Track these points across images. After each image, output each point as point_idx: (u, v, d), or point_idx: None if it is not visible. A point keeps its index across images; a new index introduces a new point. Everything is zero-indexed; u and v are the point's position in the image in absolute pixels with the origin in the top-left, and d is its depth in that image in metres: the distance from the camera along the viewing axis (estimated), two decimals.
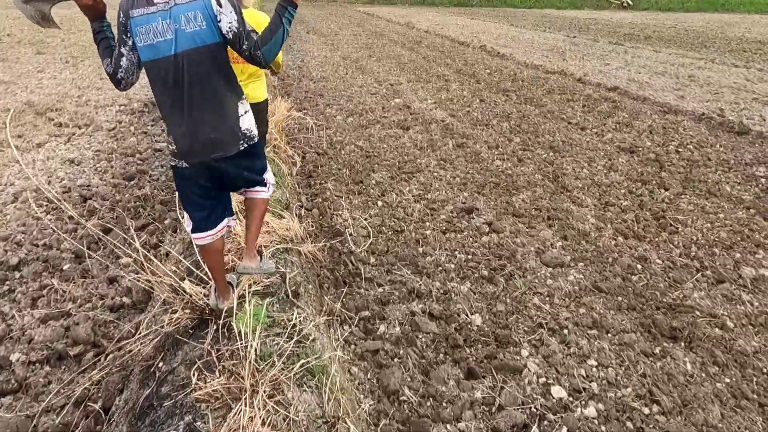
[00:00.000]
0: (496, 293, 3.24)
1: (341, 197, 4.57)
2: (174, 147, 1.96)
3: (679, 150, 5.89)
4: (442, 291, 3.25)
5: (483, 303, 3.14)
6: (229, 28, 1.88)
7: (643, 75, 10.31)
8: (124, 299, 3.18)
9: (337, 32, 17.66)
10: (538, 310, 3.08)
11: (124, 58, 1.90)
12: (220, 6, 1.86)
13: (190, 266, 2.57)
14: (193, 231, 2.12)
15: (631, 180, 5.03)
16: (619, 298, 3.21)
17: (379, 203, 4.51)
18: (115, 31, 1.94)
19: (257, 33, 1.93)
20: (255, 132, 2.08)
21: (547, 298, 3.20)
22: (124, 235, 3.75)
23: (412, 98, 8.33)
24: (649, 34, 18.22)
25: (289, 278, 2.65)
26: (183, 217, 2.25)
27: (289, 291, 2.57)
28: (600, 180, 5.02)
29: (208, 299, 2.32)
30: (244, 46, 1.90)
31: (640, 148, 5.92)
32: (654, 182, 4.98)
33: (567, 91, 8.81)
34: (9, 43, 13.33)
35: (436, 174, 5.15)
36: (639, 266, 3.57)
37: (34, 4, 1.97)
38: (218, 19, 1.87)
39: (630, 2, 33.71)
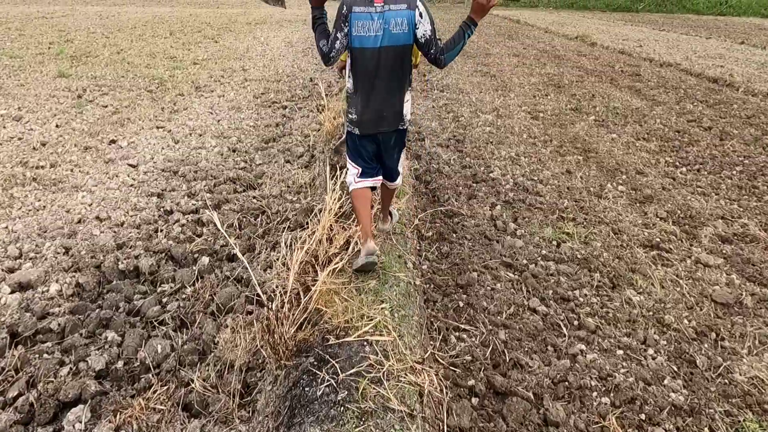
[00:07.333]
0: None
1: None
2: (354, 116, 2.55)
3: None
4: None
5: None
6: (423, 34, 2.41)
7: None
8: None
9: (487, 50, 11.80)
10: None
11: (338, 42, 2.39)
12: (421, 17, 2.40)
13: None
14: (359, 176, 2.70)
15: None
16: None
17: None
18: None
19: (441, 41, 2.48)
20: (410, 117, 2.72)
21: None
22: None
23: None
24: None
25: None
26: (347, 171, 2.78)
27: None
28: None
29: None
30: (432, 50, 2.44)
31: None
32: None
33: None
34: (48, 55, 9.14)
35: None
36: None
37: None
38: (417, 27, 2.40)
39: None
